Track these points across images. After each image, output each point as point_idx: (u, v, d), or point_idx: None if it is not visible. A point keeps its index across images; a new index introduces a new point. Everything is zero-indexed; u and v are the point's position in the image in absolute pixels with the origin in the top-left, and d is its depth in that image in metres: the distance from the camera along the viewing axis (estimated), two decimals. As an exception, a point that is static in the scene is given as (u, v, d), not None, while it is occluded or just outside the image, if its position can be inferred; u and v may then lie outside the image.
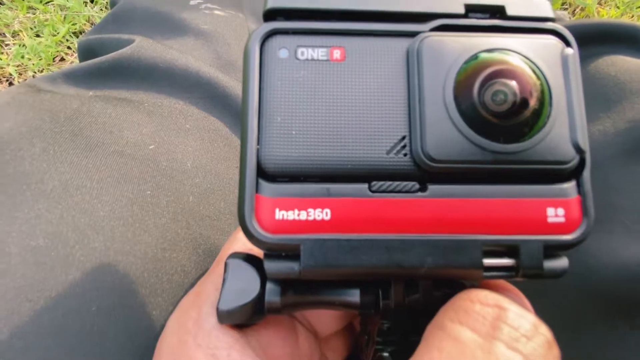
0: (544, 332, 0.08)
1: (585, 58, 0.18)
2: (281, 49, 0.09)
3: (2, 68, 0.42)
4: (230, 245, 0.12)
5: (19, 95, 0.18)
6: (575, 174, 0.09)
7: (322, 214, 0.09)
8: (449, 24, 0.09)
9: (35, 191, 0.13)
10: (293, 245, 0.09)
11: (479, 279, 0.09)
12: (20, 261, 0.12)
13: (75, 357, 0.11)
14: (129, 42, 0.22)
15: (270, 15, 0.09)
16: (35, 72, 0.42)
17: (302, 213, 0.08)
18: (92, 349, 0.11)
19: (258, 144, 0.09)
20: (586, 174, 0.09)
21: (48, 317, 0.11)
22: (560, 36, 0.09)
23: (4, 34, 0.46)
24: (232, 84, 0.23)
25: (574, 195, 0.09)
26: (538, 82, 0.08)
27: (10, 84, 0.42)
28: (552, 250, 0.09)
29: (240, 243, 0.12)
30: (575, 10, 0.44)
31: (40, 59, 0.43)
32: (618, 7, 0.45)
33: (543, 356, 0.07)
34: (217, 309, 0.10)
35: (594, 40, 0.18)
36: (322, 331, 0.13)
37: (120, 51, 0.21)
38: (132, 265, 0.13)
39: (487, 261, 0.09)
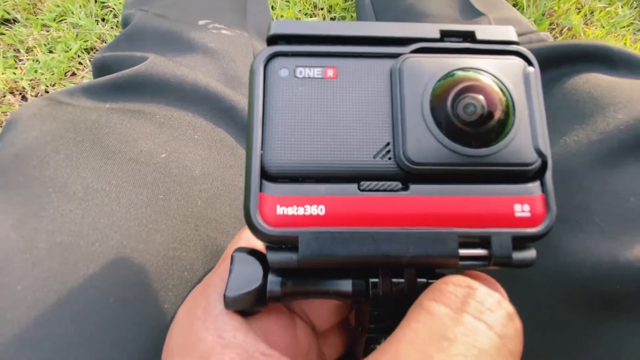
0: (507, 307, 0.09)
1: (562, 76, 0.20)
2: (282, 68, 0.10)
3: (16, 82, 0.44)
4: (234, 244, 0.13)
5: (43, 108, 0.19)
6: (538, 175, 0.10)
7: (317, 210, 0.10)
8: (427, 47, 0.10)
9: (60, 194, 0.15)
10: (292, 237, 0.10)
11: (457, 268, 0.10)
12: (47, 255, 0.13)
13: (94, 344, 0.12)
14: (142, 60, 0.24)
15: (273, 40, 0.10)
16: (47, 86, 0.44)
17: (300, 209, 0.10)
18: (109, 336, 0.13)
19: (262, 149, 0.10)
20: (548, 175, 0.10)
21: (70, 306, 0.13)
22: (523, 57, 0.11)
23: (18, 49, 0.49)
24: (238, 98, 0.24)
25: (538, 194, 0.10)
26: (503, 97, 0.10)
27: (23, 97, 0.43)
28: (520, 242, 0.10)
29: (243, 242, 0.13)
30: (562, 30, 0.46)
31: (52, 74, 0.45)
32: (603, 27, 0.47)
33: (504, 325, 0.08)
34: (225, 295, 0.11)
35: (571, 59, 0.20)
36: (320, 325, 0.14)
37: (135, 68, 0.22)
38: (146, 262, 0.14)
39: (463, 251, 0.10)
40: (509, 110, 0.10)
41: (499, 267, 0.10)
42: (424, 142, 0.10)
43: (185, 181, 0.18)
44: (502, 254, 0.10)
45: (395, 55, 0.10)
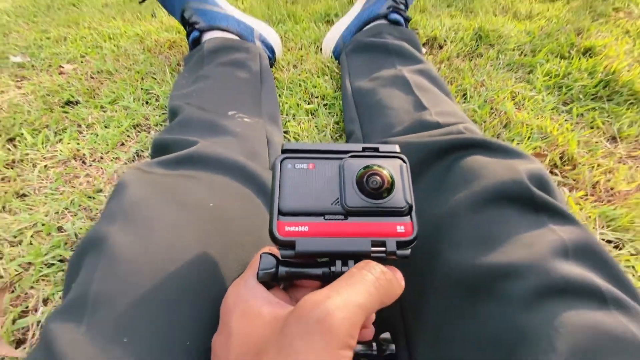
0: (387, 273, 0.19)
1: (461, 157, 0.31)
2: (288, 164, 0.21)
3: (78, 150, 0.56)
4: (257, 254, 0.23)
5: (137, 174, 0.30)
6: (409, 211, 0.21)
7: (304, 228, 0.20)
8: (355, 155, 0.22)
9: (159, 222, 0.25)
10: (292, 242, 0.19)
11: (371, 258, 0.20)
12: (158, 254, 0.23)
13: (179, 308, 0.22)
14: (194, 143, 0.36)
15: (284, 151, 0.21)
16: (102, 154, 0.56)
17: (296, 228, 0.20)
18: (199, 299, 0.22)
19: (279, 200, 0.21)
20: (413, 212, 0.21)
21: (178, 279, 0.22)
22: (401, 159, 0.22)
23: (80, 125, 0.62)
24: (255, 167, 0.35)
25: (409, 221, 0.21)
26: (389, 177, 0.21)
27: (83, 162, 0.55)
28: (401, 245, 0.20)
29: (256, 256, 0.23)
30: (501, 113, 0.60)
31: (107, 144, 0.57)
32: (532, 111, 0.61)
33: (380, 274, 0.18)
34: (257, 274, 0.21)
35: (467, 147, 0.31)
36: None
37: (191, 149, 0.34)
38: (216, 272, 0.24)
39: (373, 249, 0.20)
40: (392, 183, 0.21)
41: (392, 258, 0.20)
42: (353, 198, 0.20)
43: (226, 221, 0.28)
44: (391, 251, 0.20)
45: (341, 158, 0.22)
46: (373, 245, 0.19)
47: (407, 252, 0.20)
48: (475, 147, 0.31)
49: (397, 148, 0.22)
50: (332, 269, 0.20)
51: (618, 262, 0.23)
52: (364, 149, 0.22)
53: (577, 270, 0.21)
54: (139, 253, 0.24)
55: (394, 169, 0.21)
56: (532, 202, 0.25)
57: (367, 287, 0.17)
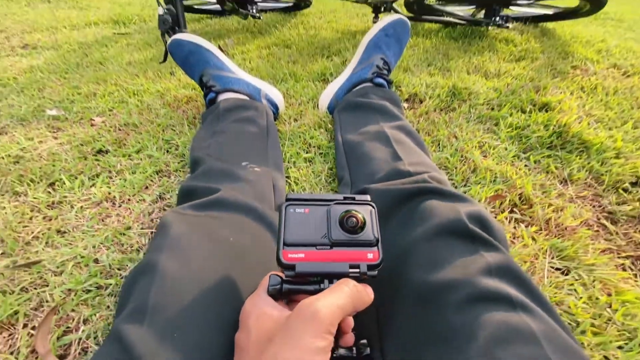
0: (358, 286, 0.27)
1: (421, 202, 0.40)
2: (291, 209, 0.29)
3: (109, 193, 0.66)
4: (266, 276, 0.32)
5: (175, 216, 0.39)
6: (376, 243, 0.29)
7: (301, 255, 0.28)
8: (339, 202, 0.31)
9: (195, 252, 0.34)
10: (293, 265, 0.26)
11: (349, 277, 0.29)
12: (191, 280, 0.32)
13: (211, 313, 0.30)
14: (217, 190, 0.45)
15: (287, 199, 0.31)
16: (130, 196, 0.65)
17: (295, 255, 0.28)
18: (225, 307, 0.30)
19: (284, 234, 0.30)
20: (380, 244, 0.30)
21: (210, 293, 0.31)
22: (371, 205, 0.31)
23: (111, 171, 0.72)
24: (264, 209, 0.45)
25: (376, 250, 0.29)
26: (362, 219, 0.30)
27: (113, 203, 0.64)
28: (370, 267, 0.29)
29: (266, 277, 0.32)
30: (469, 161, 0.70)
31: (134, 188, 0.66)
32: (496, 158, 0.72)
33: (352, 287, 0.27)
34: (267, 289, 0.29)
35: (427, 193, 0.41)
36: None
37: (215, 195, 0.43)
38: (237, 289, 0.33)
39: (351, 270, 0.29)
40: (364, 223, 0.30)
41: (364, 277, 0.29)
42: (336, 233, 0.30)
43: (243, 253, 0.37)
44: (363, 272, 0.28)
45: (329, 205, 0.31)
46: (350, 268, 0.28)
47: (375, 272, 0.29)
48: (433, 193, 0.40)
49: (368, 197, 0.32)
50: (322, 286, 0.28)
51: (531, 278, 0.32)
52: (345, 198, 0.31)
53: (496, 284, 0.30)
54: (181, 275, 0.32)
55: (366, 213, 0.30)
56: (468, 235, 0.34)
57: (344, 295, 0.26)
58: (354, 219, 0.29)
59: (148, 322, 0.29)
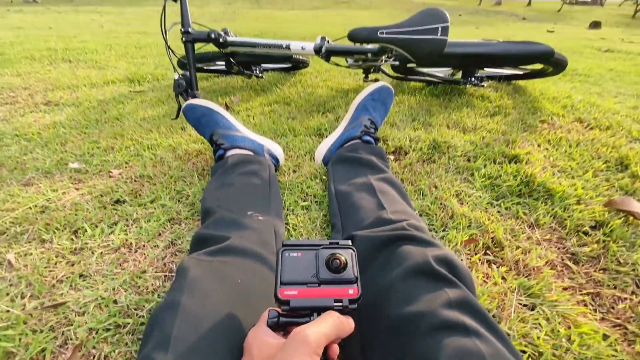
0: (341, 317, 0.35)
1: (398, 246, 0.49)
2: (286, 253, 0.37)
3: (126, 240, 0.73)
4: (266, 311, 0.39)
5: (192, 261, 0.47)
6: (356, 281, 0.37)
7: (294, 292, 0.35)
8: (325, 247, 0.39)
9: (212, 293, 0.41)
10: (288, 301, 0.32)
11: (334, 310, 0.36)
12: (206, 314, 0.39)
13: (222, 343, 0.37)
14: (227, 238, 0.53)
15: (284, 245, 0.39)
16: (145, 242, 0.73)
17: (290, 292, 0.36)
18: (234, 337, 0.37)
19: (280, 275, 0.38)
20: (359, 281, 0.37)
21: (221, 327, 0.38)
22: (352, 249, 0.40)
23: (127, 219, 0.80)
24: (267, 254, 0.53)
25: (356, 287, 0.37)
26: (345, 260, 0.38)
27: (130, 249, 0.72)
28: (351, 302, 0.35)
29: (266, 311, 0.39)
30: (447, 208, 0.79)
31: (149, 234, 0.74)
32: (471, 205, 0.81)
33: (335, 318, 0.34)
34: (267, 321, 0.37)
35: (403, 239, 0.50)
36: None
37: (225, 243, 0.52)
38: (243, 322, 0.40)
39: (335, 304, 0.36)
40: (346, 264, 0.38)
41: (347, 309, 0.36)
42: (323, 273, 0.38)
43: (248, 290, 0.44)
44: (345, 305, 0.36)
45: (317, 249, 0.39)
46: (335, 302, 0.35)
47: (355, 306, 0.36)
48: (408, 239, 0.49)
49: (349, 242, 0.40)
50: (311, 318, 0.36)
51: (486, 310, 0.39)
52: (330, 243, 0.40)
53: (455, 315, 0.38)
54: (198, 311, 0.39)
55: (347, 255, 0.39)
56: (434, 275, 0.42)
57: (328, 325, 0.33)
58: (338, 260, 0.37)
59: (172, 350, 0.35)
